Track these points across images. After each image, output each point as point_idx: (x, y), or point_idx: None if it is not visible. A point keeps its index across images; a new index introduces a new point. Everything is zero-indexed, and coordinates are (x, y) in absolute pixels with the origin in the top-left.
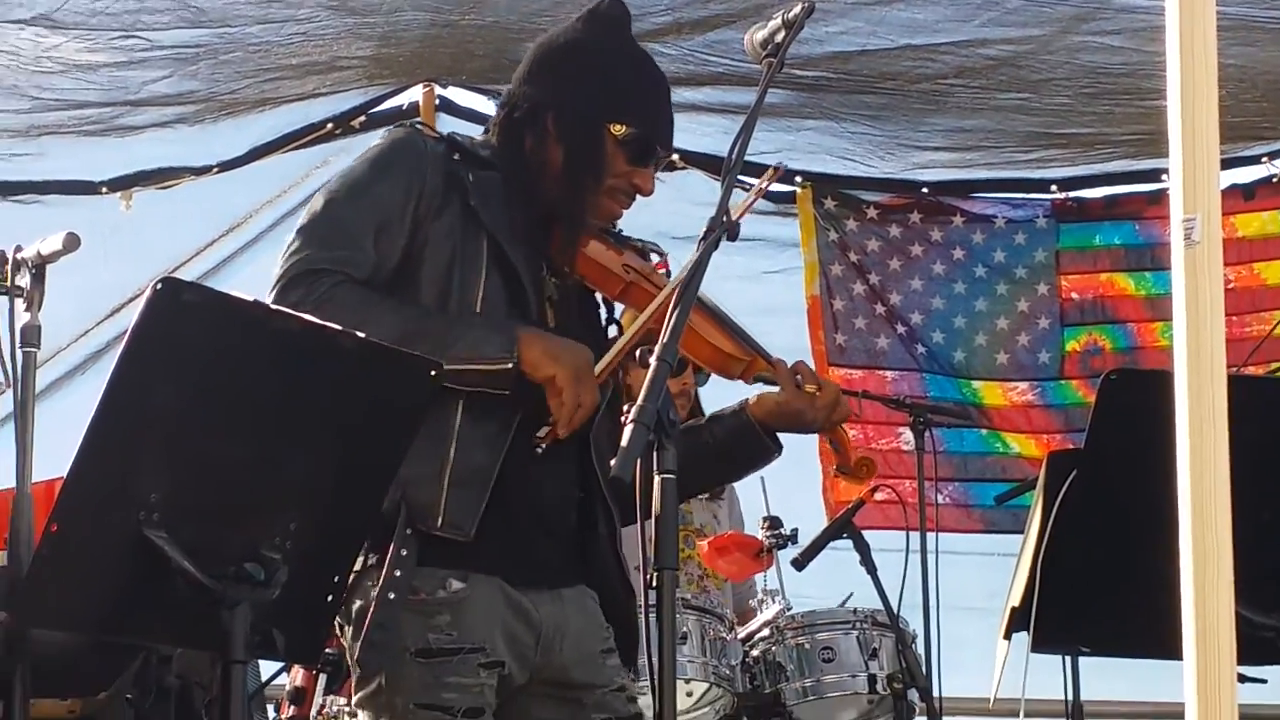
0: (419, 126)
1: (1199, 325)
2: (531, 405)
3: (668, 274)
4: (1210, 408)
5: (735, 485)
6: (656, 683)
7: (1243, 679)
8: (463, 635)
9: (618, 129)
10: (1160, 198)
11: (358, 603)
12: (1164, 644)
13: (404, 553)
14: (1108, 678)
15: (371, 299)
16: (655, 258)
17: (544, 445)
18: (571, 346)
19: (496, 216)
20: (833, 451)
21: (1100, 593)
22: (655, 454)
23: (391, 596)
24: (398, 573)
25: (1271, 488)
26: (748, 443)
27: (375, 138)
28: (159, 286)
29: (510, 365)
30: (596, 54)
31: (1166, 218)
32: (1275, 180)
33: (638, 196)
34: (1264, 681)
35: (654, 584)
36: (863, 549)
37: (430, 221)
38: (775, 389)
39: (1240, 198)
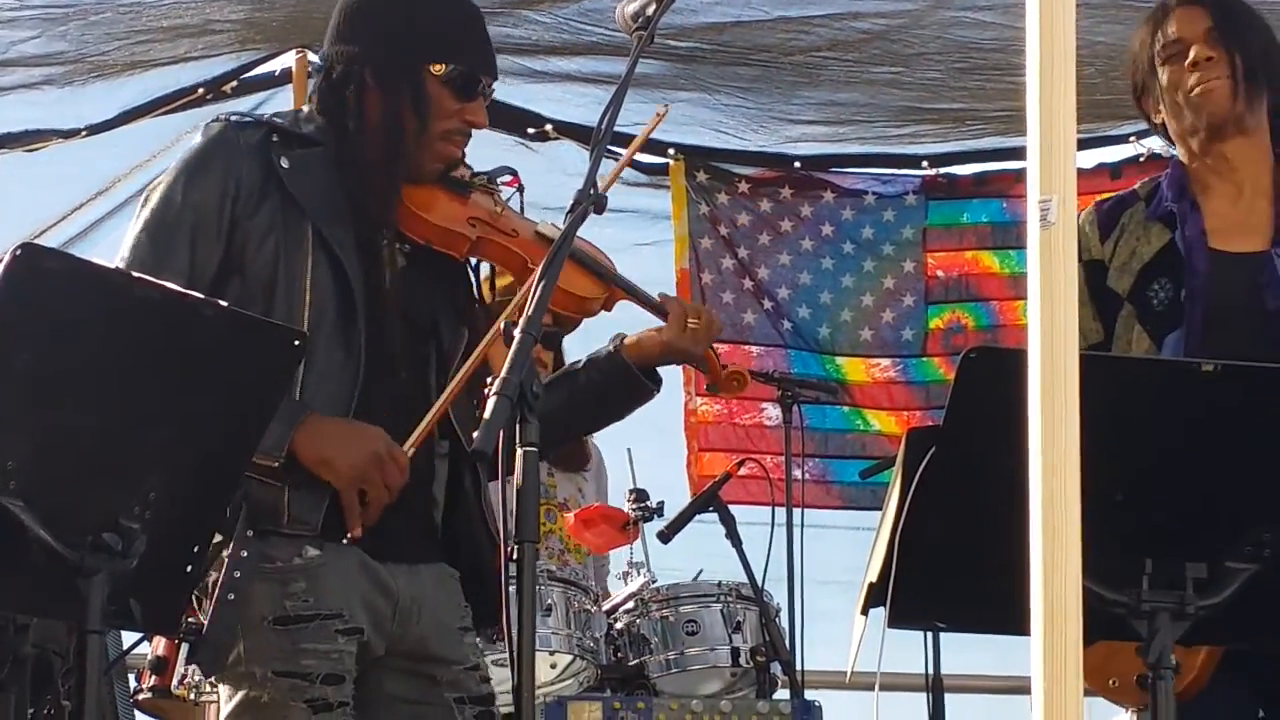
0: (233, 118)
1: (1053, 305)
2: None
3: (519, 190)
4: (1062, 386)
5: (602, 459)
6: (516, 654)
7: None
8: (319, 601)
9: (438, 68)
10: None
11: (213, 574)
12: (1019, 620)
13: (250, 533)
14: (969, 651)
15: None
16: (506, 177)
17: (350, 540)
18: (355, 439)
19: (317, 197)
20: (702, 373)
21: (956, 569)
22: (518, 427)
23: (239, 572)
24: (244, 552)
25: (1124, 467)
26: (625, 383)
27: (248, 103)
28: (18, 253)
29: (277, 465)
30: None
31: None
32: (1143, 159)
33: (473, 132)
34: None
35: (514, 556)
36: (728, 522)
37: (248, 219)
38: (650, 328)
39: (1107, 177)
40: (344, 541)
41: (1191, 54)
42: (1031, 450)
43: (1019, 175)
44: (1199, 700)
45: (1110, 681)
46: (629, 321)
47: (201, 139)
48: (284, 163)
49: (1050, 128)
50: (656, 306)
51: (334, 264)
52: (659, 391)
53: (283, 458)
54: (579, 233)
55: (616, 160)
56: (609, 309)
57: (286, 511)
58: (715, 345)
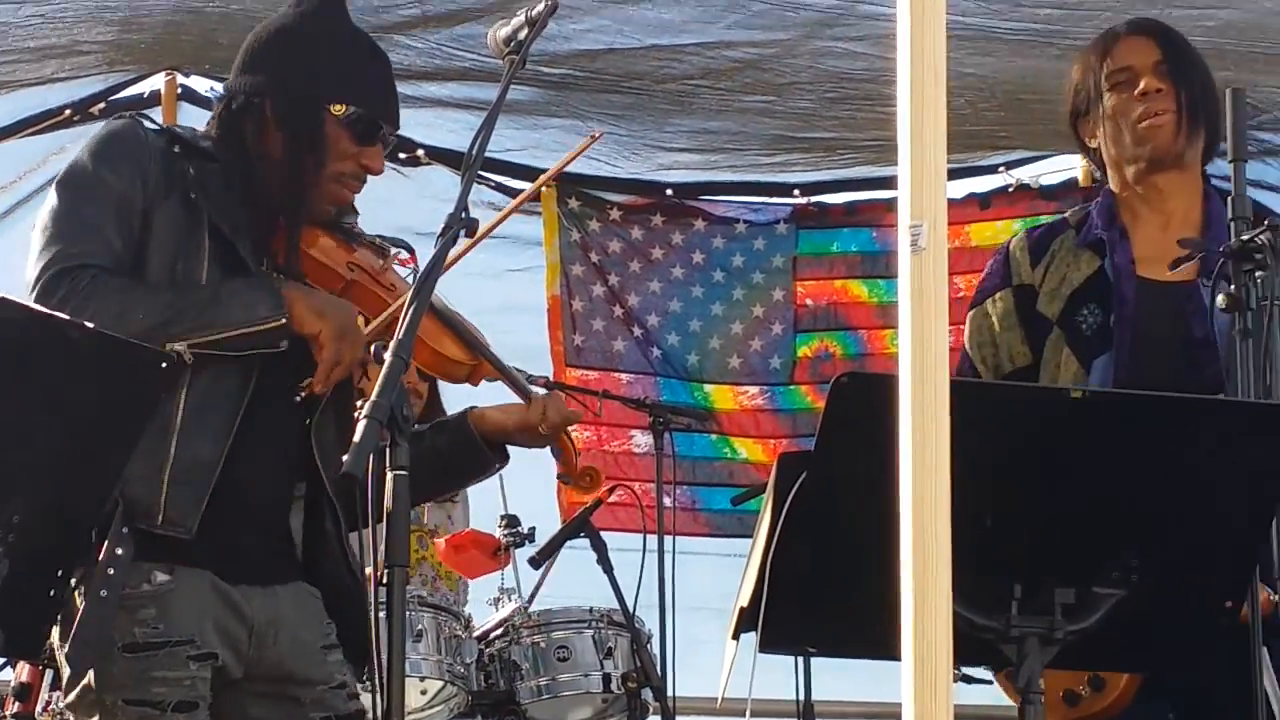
0: (137, 117)
1: (923, 331)
2: (272, 370)
3: (416, 269)
4: (932, 413)
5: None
6: (383, 680)
7: (968, 679)
8: (169, 628)
9: (338, 109)
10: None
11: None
12: (890, 644)
13: (119, 551)
14: (840, 677)
15: (131, 286)
16: (403, 253)
17: (302, 396)
18: (336, 303)
19: (218, 209)
20: (557, 461)
21: (827, 594)
22: (389, 450)
23: (104, 594)
24: (111, 571)
25: (994, 492)
26: (469, 455)
27: None
28: None
29: (283, 321)
30: (310, 36)
31: None
32: (1011, 190)
33: (368, 178)
34: (989, 683)
35: (384, 581)
36: (599, 548)
37: (154, 211)
38: (505, 402)
39: (976, 207)
40: (295, 398)
41: (1141, 84)
42: (902, 476)
43: (890, 205)
44: (1123, 716)
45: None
46: None
47: (107, 130)
48: (187, 166)
49: (921, 155)
50: (522, 389)
51: (229, 275)
52: (503, 467)
53: (284, 314)
54: (453, 294)
55: (487, 184)
56: (474, 382)
57: (163, 511)
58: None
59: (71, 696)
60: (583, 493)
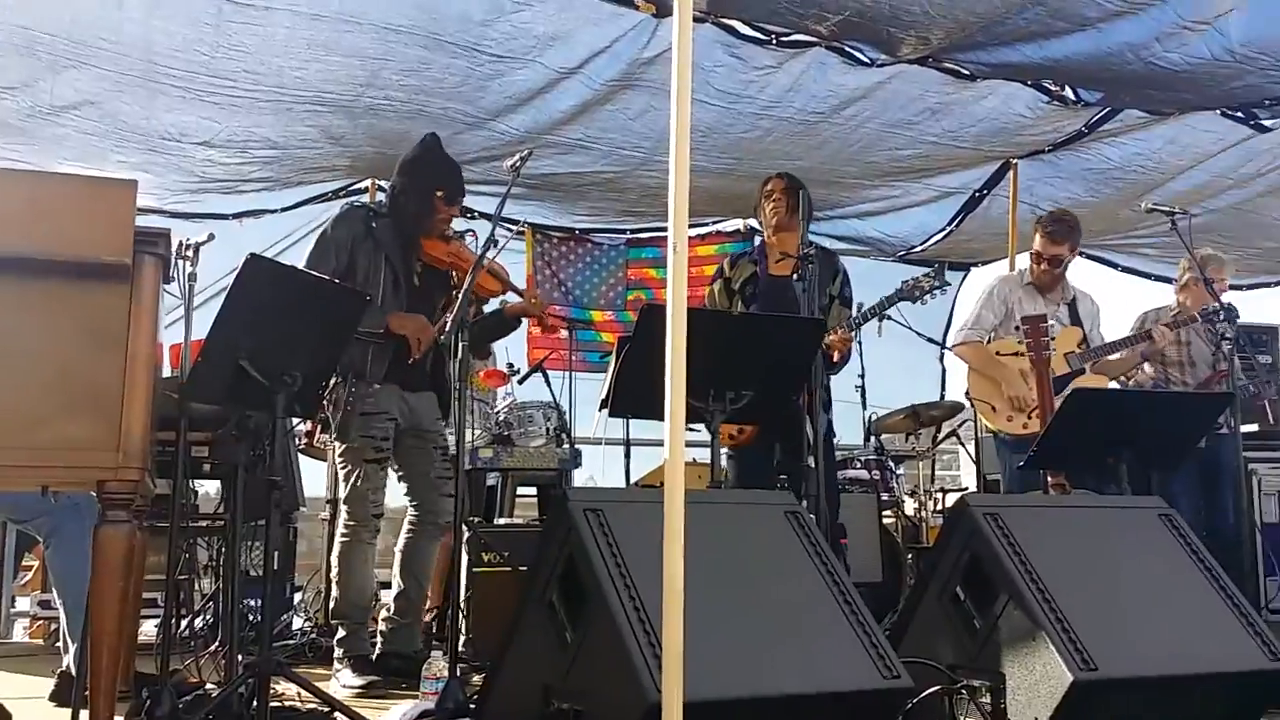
0: (354, 202)
1: (676, 289)
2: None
3: (476, 241)
4: (681, 328)
5: (494, 351)
6: (459, 431)
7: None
8: (376, 405)
9: (439, 192)
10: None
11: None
12: (659, 412)
13: (351, 375)
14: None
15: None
16: (469, 237)
17: (414, 359)
18: (414, 318)
19: (388, 243)
20: (535, 316)
21: (642, 391)
22: (458, 333)
23: (351, 391)
24: (353, 387)
25: (704, 355)
26: (505, 322)
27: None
28: (247, 259)
29: (383, 329)
30: (425, 158)
31: None
32: (719, 232)
33: (453, 220)
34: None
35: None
36: (545, 377)
37: (358, 247)
38: (518, 302)
39: (700, 239)
40: (388, 381)
41: (774, 195)
42: (668, 348)
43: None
44: (750, 445)
45: None
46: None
47: (341, 210)
48: (374, 225)
49: (680, 208)
50: (522, 293)
51: (392, 274)
52: (519, 327)
53: (383, 327)
54: (491, 255)
55: (502, 225)
56: (505, 294)
57: (368, 368)
58: (544, 310)
59: (337, 433)
60: (543, 330)
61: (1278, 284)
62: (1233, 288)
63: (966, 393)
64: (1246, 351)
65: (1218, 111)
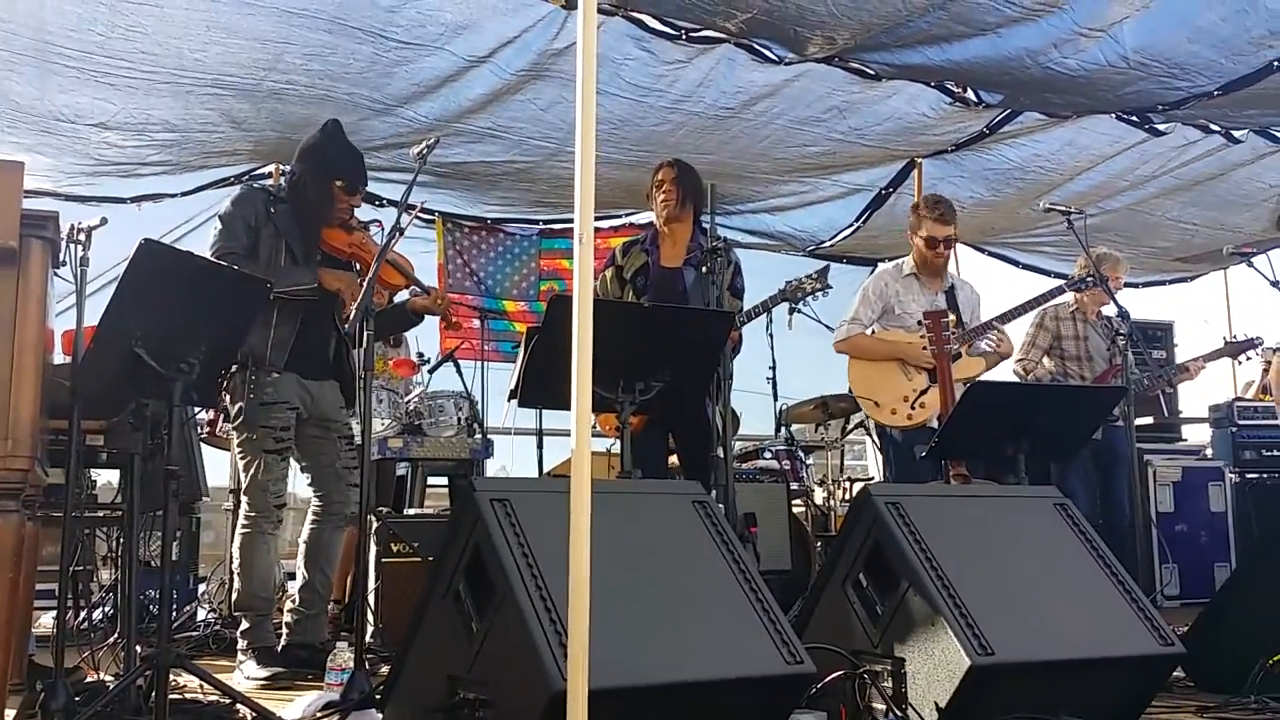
0: (255, 185)
1: (582, 278)
2: (322, 302)
3: (382, 230)
4: (587, 316)
5: (406, 340)
6: (362, 411)
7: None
8: (277, 394)
9: (339, 182)
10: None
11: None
12: (565, 401)
13: (253, 373)
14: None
15: (252, 265)
16: (374, 228)
17: (348, 317)
18: (345, 274)
19: (288, 230)
20: (441, 316)
21: (549, 382)
22: (363, 321)
23: (252, 382)
24: (253, 376)
25: (602, 347)
26: (407, 317)
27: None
28: (141, 244)
29: (315, 285)
30: (324, 146)
31: None
32: (631, 223)
33: (354, 209)
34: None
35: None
36: (457, 367)
37: (260, 230)
38: (421, 297)
39: (609, 231)
40: (289, 369)
41: (664, 185)
42: (574, 334)
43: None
44: (640, 433)
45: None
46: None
47: (240, 190)
48: (273, 210)
49: (585, 200)
50: (426, 290)
51: (293, 258)
52: (421, 322)
53: (315, 284)
54: (398, 248)
55: (407, 213)
56: (409, 288)
57: (268, 355)
58: (455, 297)
59: (236, 423)
60: (450, 331)
61: (1172, 282)
62: (1128, 285)
63: (850, 389)
64: (1140, 347)
65: (1113, 115)
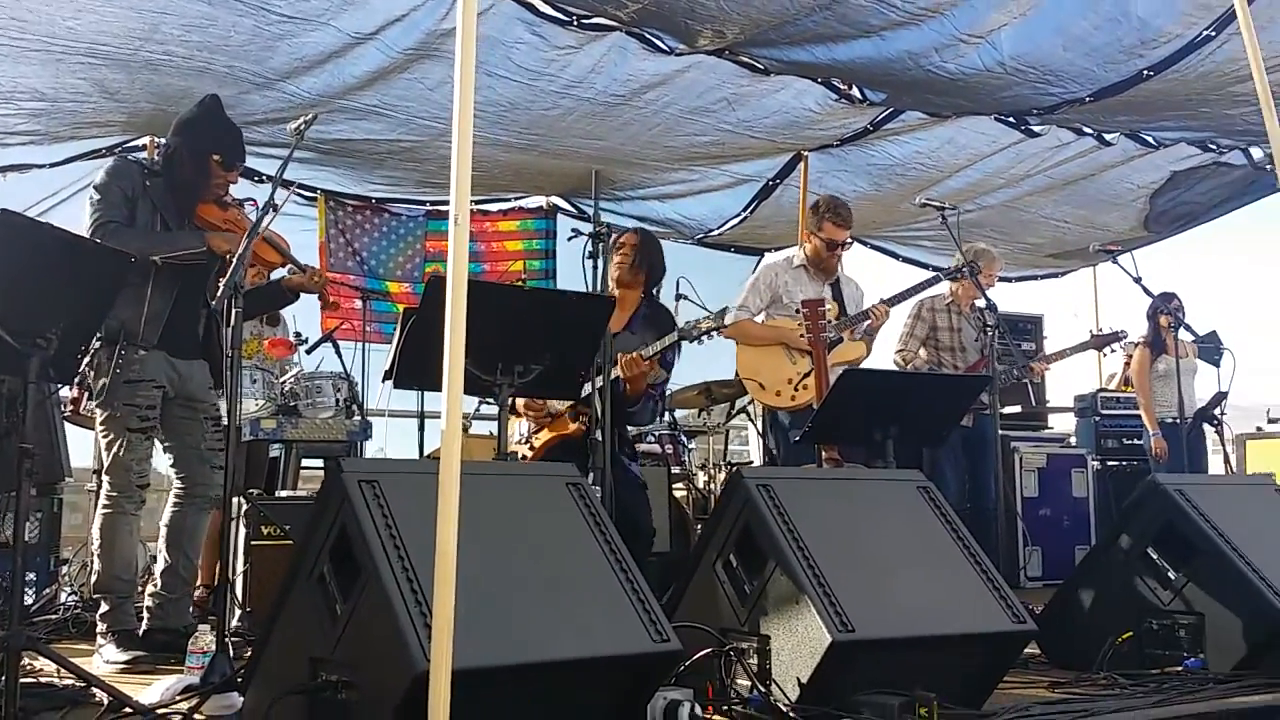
0: (129, 157)
1: (457, 260)
2: (205, 268)
3: (257, 209)
4: (461, 299)
5: (285, 320)
6: (230, 391)
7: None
8: (144, 372)
9: (216, 157)
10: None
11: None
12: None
13: (121, 350)
14: None
15: (133, 232)
16: (248, 205)
17: (223, 279)
18: (232, 235)
19: (163, 204)
20: (318, 294)
21: (425, 361)
22: (232, 298)
23: (120, 359)
24: (122, 352)
25: (481, 331)
26: (282, 295)
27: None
28: None
29: (204, 248)
30: (202, 120)
31: None
32: (509, 211)
33: (230, 185)
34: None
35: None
36: (336, 348)
37: (136, 200)
38: (298, 275)
39: (499, 216)
40: (157, 347)
41: (623, 245)
42: (447, 318)
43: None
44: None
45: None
46: None
47: (115, 162)
48: (148, 182)
49: (462, 180)
50: (302, 268)
51: (166, 227)
52: (295, 301)
53: (205, 244)
54: (275, 226)
55: (282, 189)
56: (284, 267)
57: (140, 331)
58: (335, 277)
59: (99, 400)
60: (327, 311)
61: (1044, 277)
62: (1002, 280)
63: (736, 372)
64: (1006, 339)
65: (992, 116)
